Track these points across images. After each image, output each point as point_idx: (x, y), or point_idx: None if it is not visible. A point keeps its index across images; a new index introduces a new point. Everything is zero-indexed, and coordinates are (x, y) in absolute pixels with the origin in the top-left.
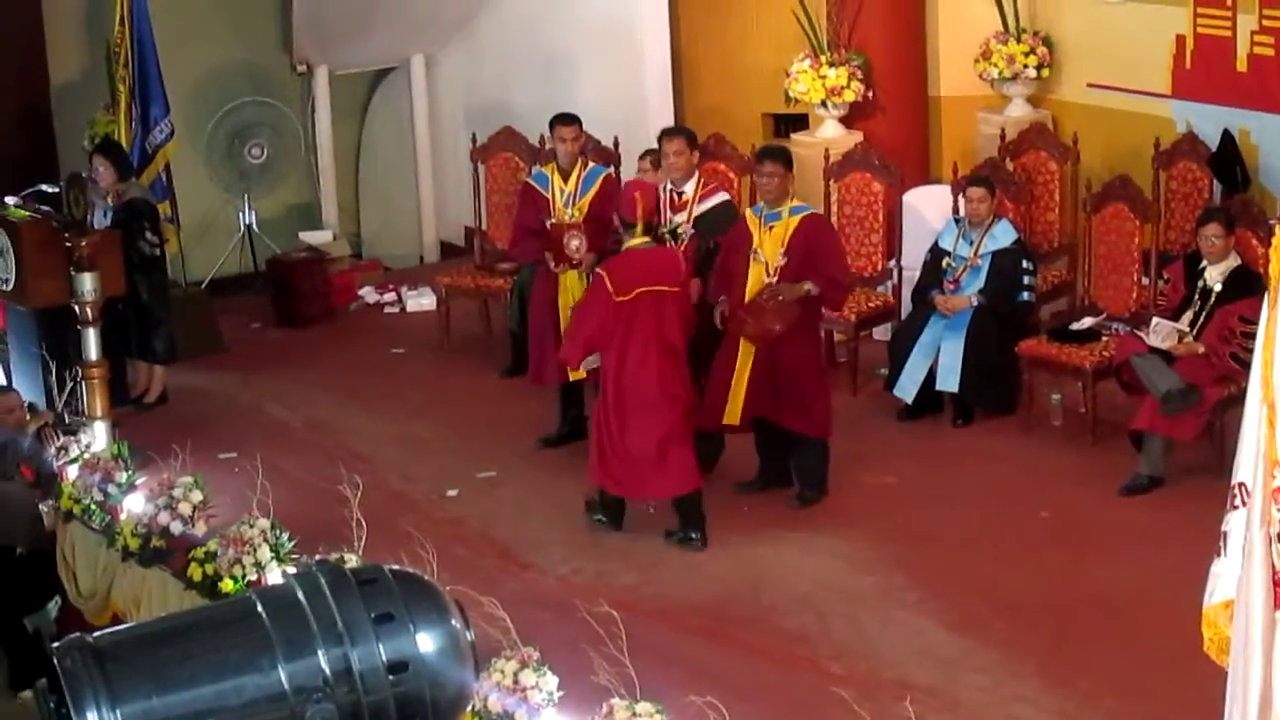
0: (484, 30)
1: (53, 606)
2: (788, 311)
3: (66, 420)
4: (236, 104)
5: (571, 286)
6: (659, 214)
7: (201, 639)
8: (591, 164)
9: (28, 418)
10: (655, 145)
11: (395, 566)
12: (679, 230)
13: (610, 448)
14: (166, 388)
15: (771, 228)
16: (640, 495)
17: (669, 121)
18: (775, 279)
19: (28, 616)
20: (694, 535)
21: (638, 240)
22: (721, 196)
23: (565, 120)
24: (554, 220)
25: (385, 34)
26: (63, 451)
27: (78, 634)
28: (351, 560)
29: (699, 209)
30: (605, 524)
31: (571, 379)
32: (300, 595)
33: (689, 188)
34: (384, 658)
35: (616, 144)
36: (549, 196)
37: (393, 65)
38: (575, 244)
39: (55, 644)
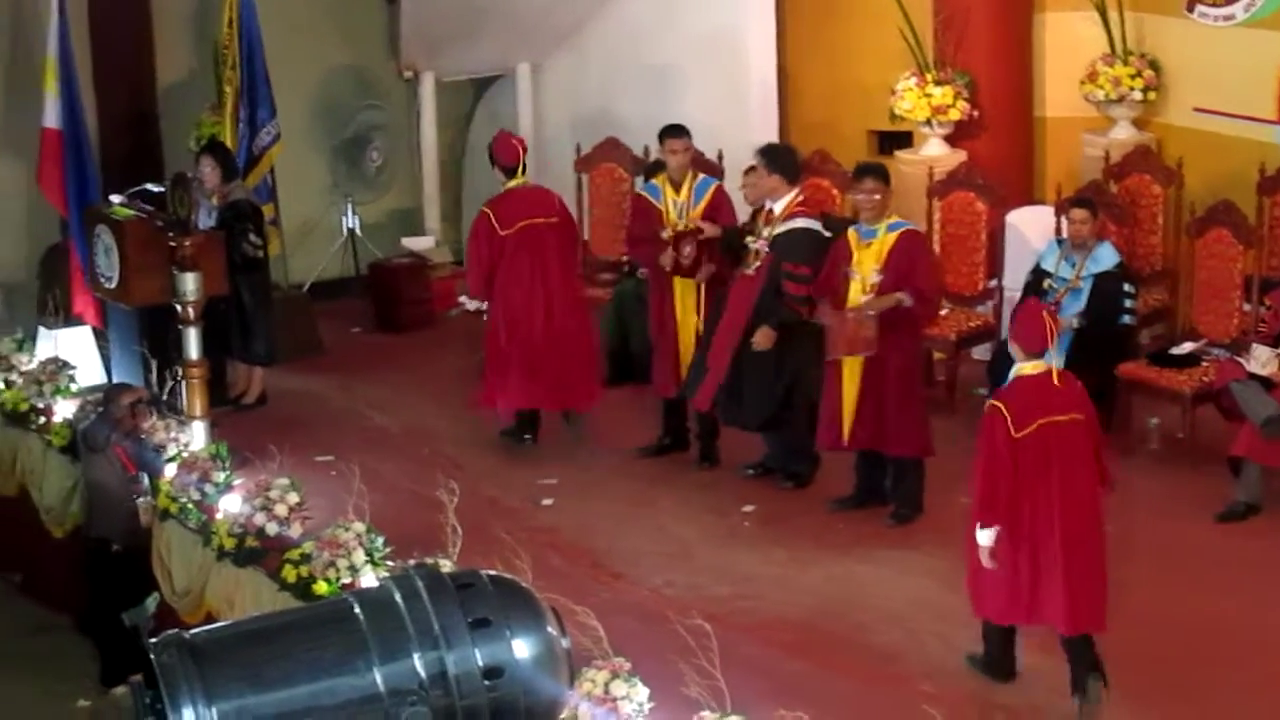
0: (590, 40)
1: (151, 602)
2: (868, 322)
3: (165, 401)
4: (345, 108)
5: (684, 296)
6: (753, 223)
7: (298, 639)
8: (702, 175)
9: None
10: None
11: (492, 572)
12: (753, 247)
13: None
14: (265, 389)
15: (869, 244)
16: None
17: (773, 136)
18: (872, 295)
19: (125, 612)
20: (527, 437)
21: (517, 181)
22: (804, 222)
23: (676, 132)
24: (669, 230)
25: (492, 42)
26: (162, 433)
27: (175, 630)
28: (446, 566)
29: (779, 229)
30: (531, 440)
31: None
32: (397, 597)
33: (780, 205)
34: (480, 662)
35: (720, 157)
36: (661, 207)
37: (499, 73)
38: (687, 252)
39: (152, 640)
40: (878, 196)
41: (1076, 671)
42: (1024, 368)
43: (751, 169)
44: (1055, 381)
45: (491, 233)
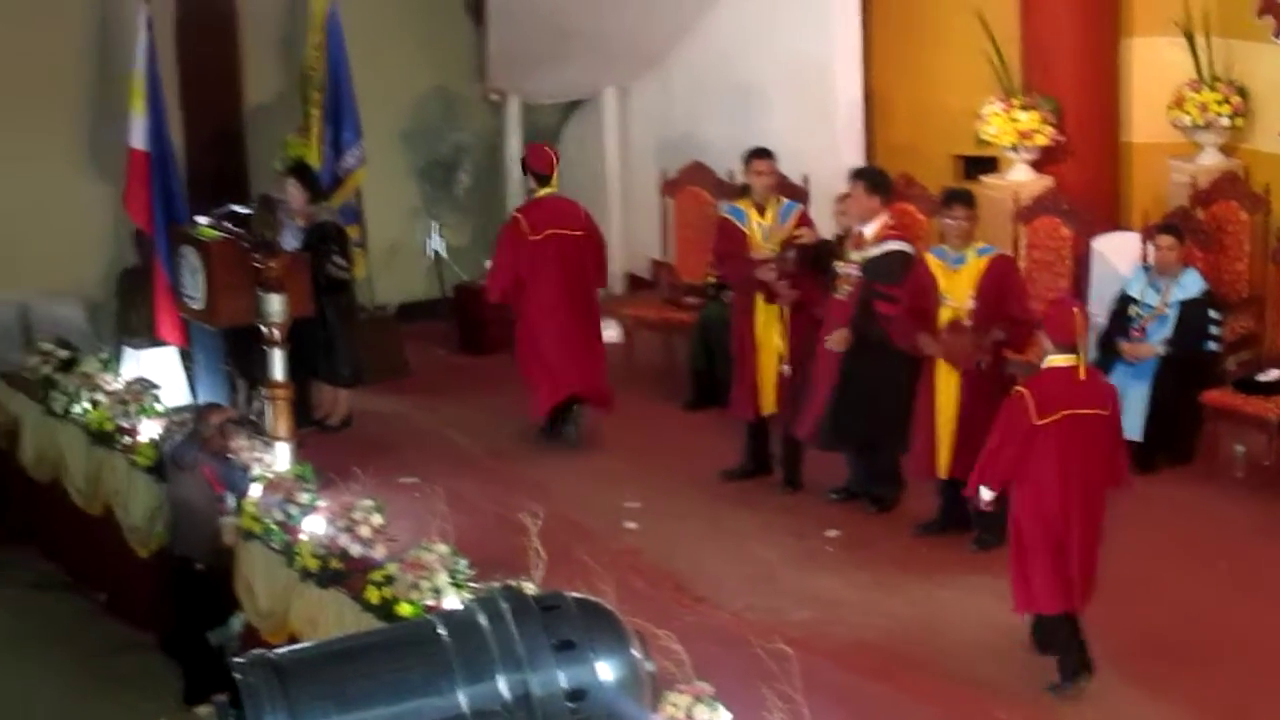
0: (677, 64)
1: (236, 622)
2: (983, 347)
3: (251, 419)
4: (431, 130)
5: (767, 320)
6: (840, 247)
7: (382, 659)
8: (786, 199)
9: (234, 438)
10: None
11: (577, 594)
12: (843, 271)
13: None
14: (350, 411)
15: (958, 270)
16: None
17: (859, 160)
18: (968, 322)
19: (210, 631)
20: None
21: (548, 190)
22: (896, 245)
23: (761, 154)
24: (754, 254)
25: (579, 65)
26: (247, 453)
27: (259, 650)
28: (530, 589)
29: (871, 252)
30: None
31: (763, 414)
32: (482, 619)
33: (870, 229)
34: (563, 685)
35: (806, 181)
36: (746, 230)
37: (585, 97)
38: (773, 276)
39: (237, 659)
40: (966, 223)
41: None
42: (1054, 359)
43: (844, 195)
44: (1082, 375)
45: (521, 237)
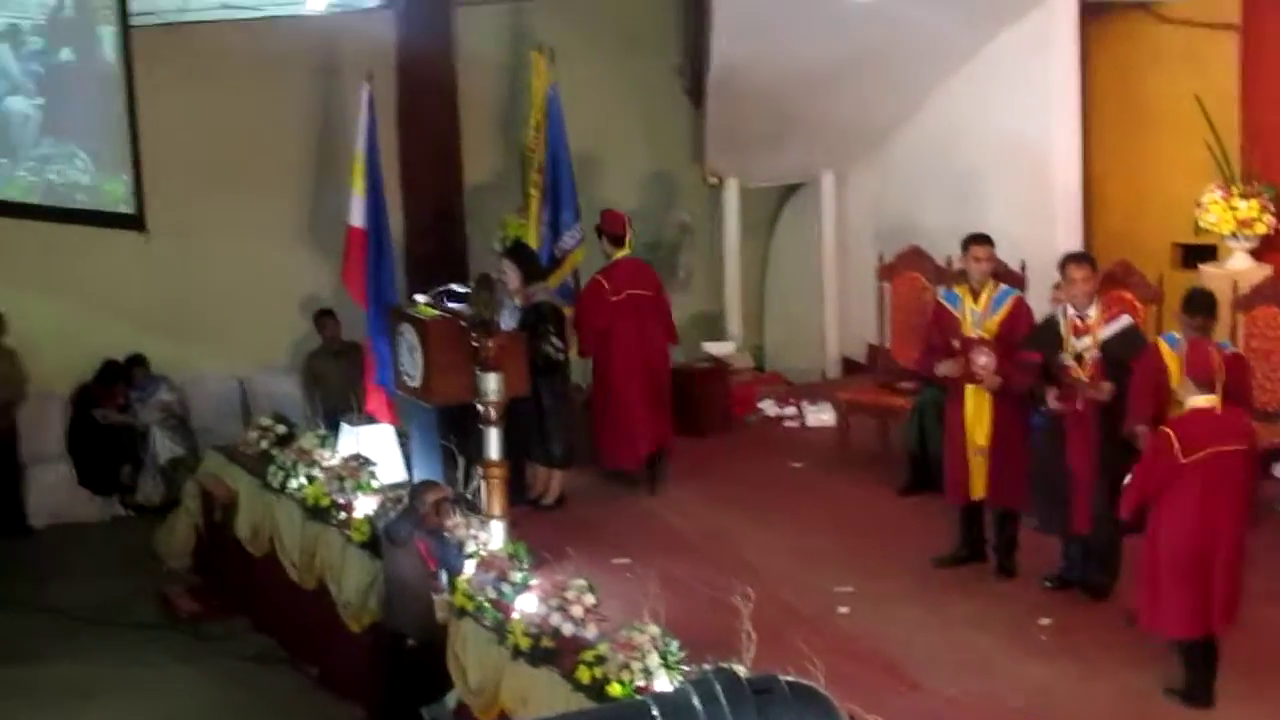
0: (894, 149)
1: (452, 698)
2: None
3: (468, 500)
4: (649, 212)
5: (975, 405)
6: (1063, 339)
7: None
8: (1002, 285)
9: (450, 516)
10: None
11: (790, 678)
12: (1084, 354)
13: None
14: (563, 490)
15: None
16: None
17: (1077, 246)
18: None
19: (425, 707)
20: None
21: (623, 252)
22: (1125, 321)
23: (980, 240)
24: (962, 338)
25: (797, 150)
26: (462, 530)
27: None
28: (741, 671)
29: (1104, 333)
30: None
31: (974, 499)
32: (695, 701)
33: (1092, 312)
34: None
35: (1024, 267)
36: (959, 315)
37: (803, 180)
38: (983, 360)
39: None
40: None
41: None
42: (1195, 400)
43: (1057, 284)
44: (1220, 413)
45: (603, 298)
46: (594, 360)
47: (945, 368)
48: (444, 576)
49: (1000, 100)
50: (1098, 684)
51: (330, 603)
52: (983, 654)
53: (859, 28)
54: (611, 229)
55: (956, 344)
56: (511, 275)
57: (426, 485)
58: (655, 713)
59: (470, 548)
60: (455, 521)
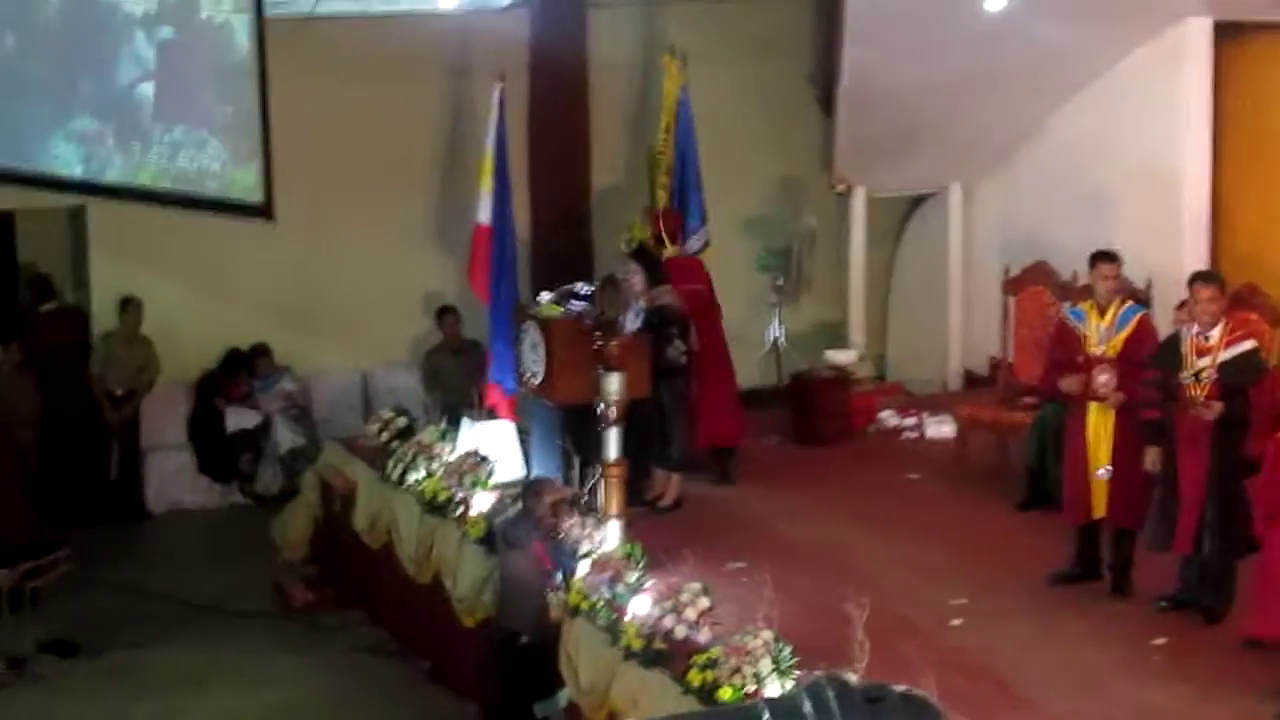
0: (1023, 163)
1: (563, 696)
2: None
3: (583, 497)
4: (776, 218)
5: (1097, 423)
6: (1184, 357)
7: None
8: (1129, 303)
9: (567, 517)
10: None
11: (901, 687)
12: (1202, 374)
13: None
14: (681, 494)
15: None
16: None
17: (1203, 267)
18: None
19: (537, 703)
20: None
21: (672, 250)
22: (1249, 344)
23: (1107, 257)
24: (1085, 355)
25: (926, 161)
26: (578, 531)
27: None
28: (852, 679)
29: (1224, 355)
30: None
31: (1094, 518)
32: (807, 707)
33: (1215, 333)
34: None
35: (1149, 286)
36: (1084, 333)
37: (931, 191)
38: (1104, 379)
39: None
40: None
41: None
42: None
43: (1182, 303)
44: None
45: None
46: None
47: (1068, 383)
48: (559, 576)
49: (1130, 118)
50: (1210, 707)
51: (444, 597)
52: (1095, 673)
53: (991, 40)
54: (668, 227)
55: (1080, 359)
56: (636, 277)
57: (544, 485)
58: (767, 716)
59: (586, 548)
60: (571, 521)
